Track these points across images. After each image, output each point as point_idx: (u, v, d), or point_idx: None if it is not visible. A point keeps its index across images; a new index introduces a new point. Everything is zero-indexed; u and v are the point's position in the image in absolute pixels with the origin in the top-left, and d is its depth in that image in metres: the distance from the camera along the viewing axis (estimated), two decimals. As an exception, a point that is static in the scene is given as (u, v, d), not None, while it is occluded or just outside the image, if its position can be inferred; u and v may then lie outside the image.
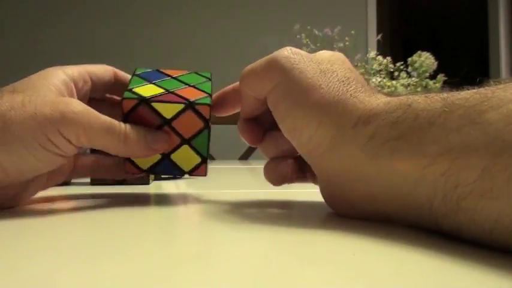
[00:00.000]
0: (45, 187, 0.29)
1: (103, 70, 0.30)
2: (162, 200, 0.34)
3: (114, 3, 2.60)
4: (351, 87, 0.23)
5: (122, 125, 0.26)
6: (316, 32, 1.12)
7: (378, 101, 0.22)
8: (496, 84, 0.17)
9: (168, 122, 0.27)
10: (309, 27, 1.14)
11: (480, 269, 0.14)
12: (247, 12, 2.57)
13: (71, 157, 0.29)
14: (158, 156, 0.29)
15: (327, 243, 0.18)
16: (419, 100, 0.19)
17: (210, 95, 0.28)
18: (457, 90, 0.19)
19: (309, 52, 0.25)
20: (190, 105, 0.27)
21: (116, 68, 0.31)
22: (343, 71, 0.24)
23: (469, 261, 0.15)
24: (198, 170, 0.30)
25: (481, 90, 0.17)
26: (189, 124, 0.28)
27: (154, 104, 0.27)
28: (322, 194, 0.24)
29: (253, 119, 0.28)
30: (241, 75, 0.26)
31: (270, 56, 0.25)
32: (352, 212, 0.23)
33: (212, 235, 0.20)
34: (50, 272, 0.13)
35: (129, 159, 0.29)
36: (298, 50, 0.24)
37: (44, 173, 0.27)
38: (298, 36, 1.12)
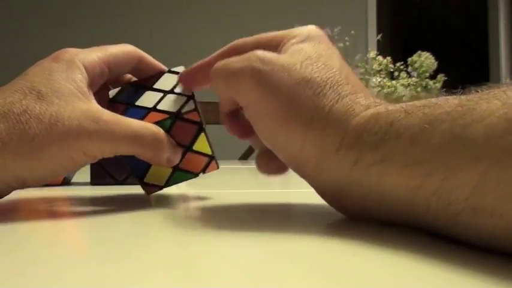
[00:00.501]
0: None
1: (126, 56, 0.29)
2: (162, 200, 0.34)
3: (115, 4, 2.60)
4: (328, 99, 0.21)
5: (154, 128, 0.26)
6: (316, 32, 1.11)
7: (358, 118, 0.21)
8: (479, 94, 0.17)
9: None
10: (309, 27, 1.14)
11: (480, 273, 0.14)
12: (247, 12, 2.57)
13: None
14: (169, 170, 0.30)
15: (326, 243, 0.18)
16: (401, 117, 0.19)
17: (191, 96, 0.28)
18: (443, 97, 0.18)
19: None
20: (177, 117, 0.27)
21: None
22: (323, 72, 0.22)
23: (469, 264, 0.14)
24: (209, 168, 0.31)
25: (464, 101, 0.17)
26: (184, 133, 0.28)
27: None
28: (320, 196, 0.24)
29: (236, 112, 0.27)
30: (212, 76, 0.25)
31: (240, 67, 0.23)
32: (353, 214, 0.23)
33: (212, 235, 0.20)
34: (50, 273, 0.13)
35: (143, 183, 0.30)
36: (269, 57, 0.23)
37: None
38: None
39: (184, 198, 0.33)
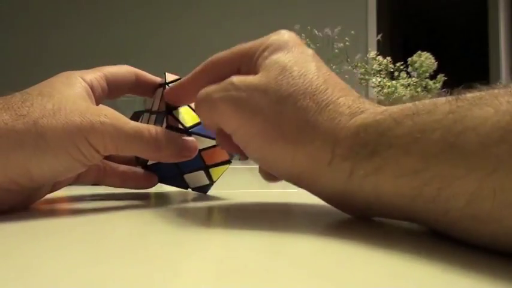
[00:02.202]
0: (53, 190, 0.29)
1: (123, 74, 0.30)
2: (162, 200, 0.34)
3: (116, 4, 2.60)
4: (310, 112, 0.21)
5: (152, 129, 0.26)
6: (316, 32, 1.12)
7: (346, 130, 0.20)
8: (470, 99, 0.16)
9: (198, 150, 0.28)
10: (309, 27, 1.14)
11: (481, 273, 0.14)
12: (247, 12, 2.57)
13: None
14: (174, 173, 0.31)
15: (326, 243, 0.18)
16: (391, 126, 0.18)
17: None
18: (431, 100, 0.18)
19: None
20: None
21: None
22: (299, 82, 0.22)
23: (470, 264, 0.15)
24: (202, 189, 0.33)
25: (454, 108, 0.16)
26: (216, 156, 0.31)
27: (193, 135, 0.29)
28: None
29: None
30: (196, 107, 0.26)
31: (219, 97, 0.23)
32: (355, 212, 0.23)
33: (212, 235, 0.20)
34: (49, 272, 0.13)
35: (193, 188, 0.33)
36: (244, 83, 0.23)
37: (50, 186, 0.28)
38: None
39: (185, 198, 0.33)
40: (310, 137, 0.21)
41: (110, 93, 0.29)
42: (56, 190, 0.29)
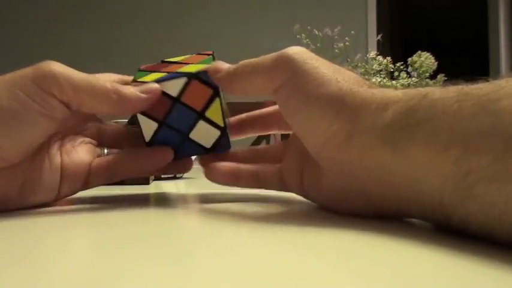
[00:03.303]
0: (58, 197, 0.27)
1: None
2: (162, 200, 0.34)
3: (115, 5, 2.60)
4: (365, 83, 0.23)
5: (106, 80, 0.26)
6: (316, 32, 1.12)
7: (395, 92, 0.22)
8: (509, 76, 0.18)
9: (177, 99, 0.27)
10: (309, 27, 1.14)
11: (484, 268, 0.14)
12: (247, 12, 2.57)
13: (85, 162, 0.28)
14: (179, 139, 0.29)
15: (326, 243, 0.18)
16: (435, 91, 0.19)
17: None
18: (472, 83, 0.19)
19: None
20: (193, 76, 0.27)
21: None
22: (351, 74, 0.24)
23: (472, 259, 0.15)
24: (220, 145, 0.30)
25: (495, 81, 0.18)
26: (198, 95, 0.27)
27: (160, 85, 0.27)
28: (327, 194, 0.24)
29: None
30: (239, 70, 0.26)
31: (279, 52, 0.24)
32: (363, 207, 0.22)
33: (212, 235, 0.20)
34: (49, 272, 0.13)
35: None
36: (306, 50, 0.25)
37: (54, 181, 0.26)
38: (298, 37, 1.12)
39: (184, 198, 0.33)
40: (361, 96, 0.22)
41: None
42: (62, 197, 0.28)
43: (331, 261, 0.15)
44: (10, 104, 0.23)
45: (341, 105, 0.22)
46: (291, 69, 0.24)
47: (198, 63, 0.29)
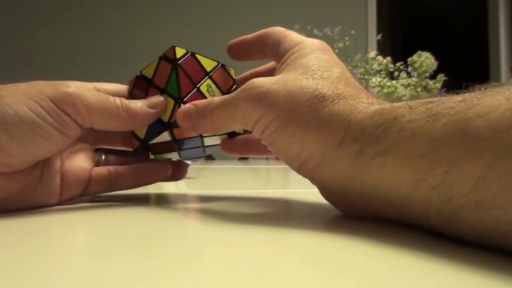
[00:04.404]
0: (58, 202, 0.28)
1: (114, 90, 0.30)
2: (162, 200, 0.34)
3: (112, 5, 2.60)
4: (328, 100, 0.22)
5: (117, 98, 0.27)
6: (316, 32, 1.12)
7: (362, 114, 0.21)
8: (482, 91, 0.17)
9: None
10: (309, 27, 1.15)
11: (481, 271, 0.14)
12: (247, 12, 2.57)
13: (85, 168, 0.29)
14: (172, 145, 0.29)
15: (326, 243, 0.18)
16: (404, 112, 0.19)
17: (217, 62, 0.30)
18: (446, 96, 0.18)
19: None
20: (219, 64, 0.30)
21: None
22: (319, 81, 0.23)
23: (470, 263, 0.14)
24: (174, 115, 0.28)
25: (467, 97, 0.17)
26: (163, 73, 0.29)
27: (198, 56, 0.29)
28: (322, 195, 0.24)
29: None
30: (211, 112, 0.25)
31: (242, 97, 0.24)
32: (355, 212, 0.23)
33: (212, 236, 0.20)
34: (49, 272, 0.13)
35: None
36: (265, 80, 0.24)
37: (55, 187, 0.27)
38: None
39: (184, 198, 0.33)
40: (324, 120, 0.22)
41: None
42: (62, 202, 0.28)
43: (331, 264, 0.15)
44: (29, 115, 0.23)
45: (305, 132, 0.22)
46: (262, 110, 0.23)
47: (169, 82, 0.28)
